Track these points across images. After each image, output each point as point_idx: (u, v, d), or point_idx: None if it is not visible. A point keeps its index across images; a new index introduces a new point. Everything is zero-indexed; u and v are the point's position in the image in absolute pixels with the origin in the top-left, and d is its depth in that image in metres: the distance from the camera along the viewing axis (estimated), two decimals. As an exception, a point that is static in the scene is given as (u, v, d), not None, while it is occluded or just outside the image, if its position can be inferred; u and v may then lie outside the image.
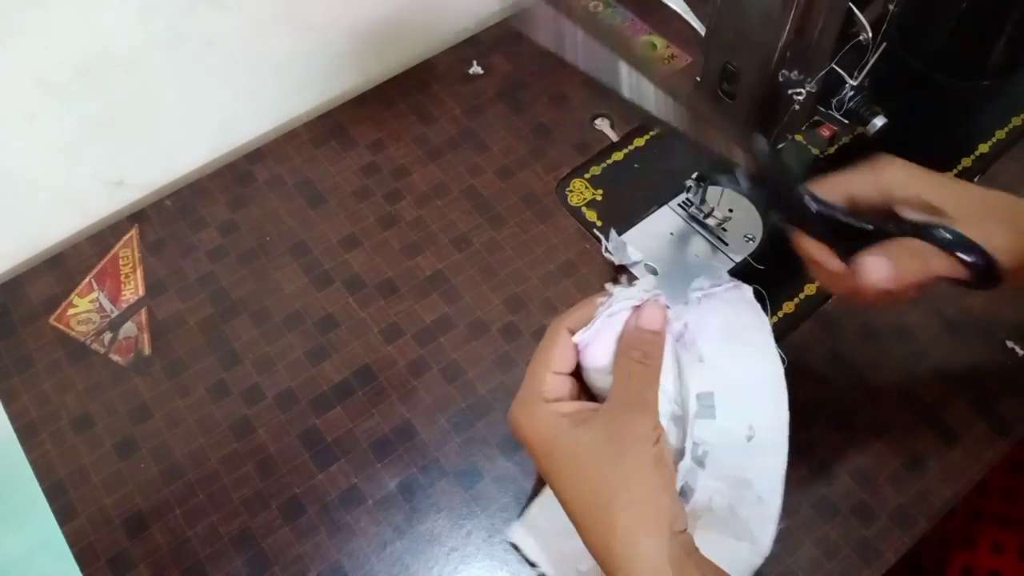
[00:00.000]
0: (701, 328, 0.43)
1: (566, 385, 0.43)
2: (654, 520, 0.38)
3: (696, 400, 0.42)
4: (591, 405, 0.42)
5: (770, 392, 0.44)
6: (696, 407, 0.42)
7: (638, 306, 0.43)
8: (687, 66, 0.73)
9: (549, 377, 0.42)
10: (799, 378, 0.56)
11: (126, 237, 0.65)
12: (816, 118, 0.54)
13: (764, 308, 0.46)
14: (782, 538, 0.50)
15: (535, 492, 0.53)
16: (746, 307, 0.45)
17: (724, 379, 0.43)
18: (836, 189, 0.46)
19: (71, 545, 0.52)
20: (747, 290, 0.46)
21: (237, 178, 0.68)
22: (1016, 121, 0.67)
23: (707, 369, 0.42)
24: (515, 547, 0.50)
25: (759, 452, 0.43)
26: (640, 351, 0.42)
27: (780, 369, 0.44)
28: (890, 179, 0.45)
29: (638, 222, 0.64)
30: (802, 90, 0.47)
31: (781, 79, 0.47)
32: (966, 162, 0.65)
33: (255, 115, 0.71)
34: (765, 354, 0.44)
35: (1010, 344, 0.57)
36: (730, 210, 0.63)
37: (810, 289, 0.59)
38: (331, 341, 0.59)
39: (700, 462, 0.42)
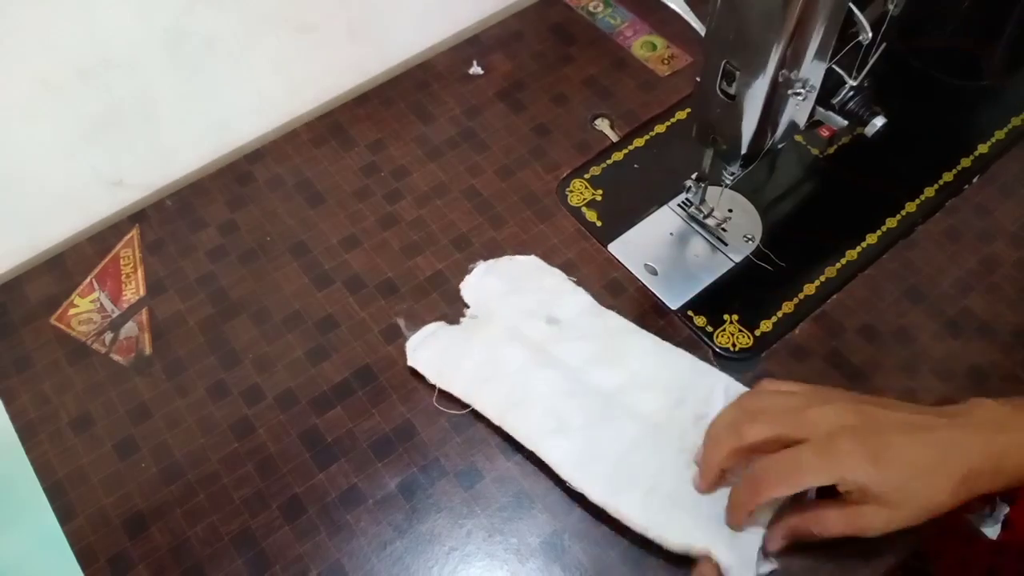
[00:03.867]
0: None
1: None
2: None
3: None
4: None
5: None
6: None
7: None
8: (687, 66, 0.73)
9: None
10: (800, 379, 0.56)
11: (127, 237, 0.65)
12: (816, 118, 0.53)
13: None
14: (782, 538, 0.50)
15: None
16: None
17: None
18: (792, 490, 0.46)
19: (71, 545, 0.52)
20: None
21: (237, 178, 0.68)
22: (1016, 121, 0.67)
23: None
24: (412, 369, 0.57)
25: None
26: None
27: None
28: (840, 470, 0.44)
29: (638, 222, 0.64)
30: (802, 90, 0.47)
31: (781, 79, 0.47)
32: (965, 162, 0.65)
33: (255, 115, 0.71)
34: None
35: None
36: (730, 210, 0.63)
37: (810, 289, 0.60)
38: (331, 341, 0.59)
39: None
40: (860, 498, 0.44)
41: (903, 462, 0.44)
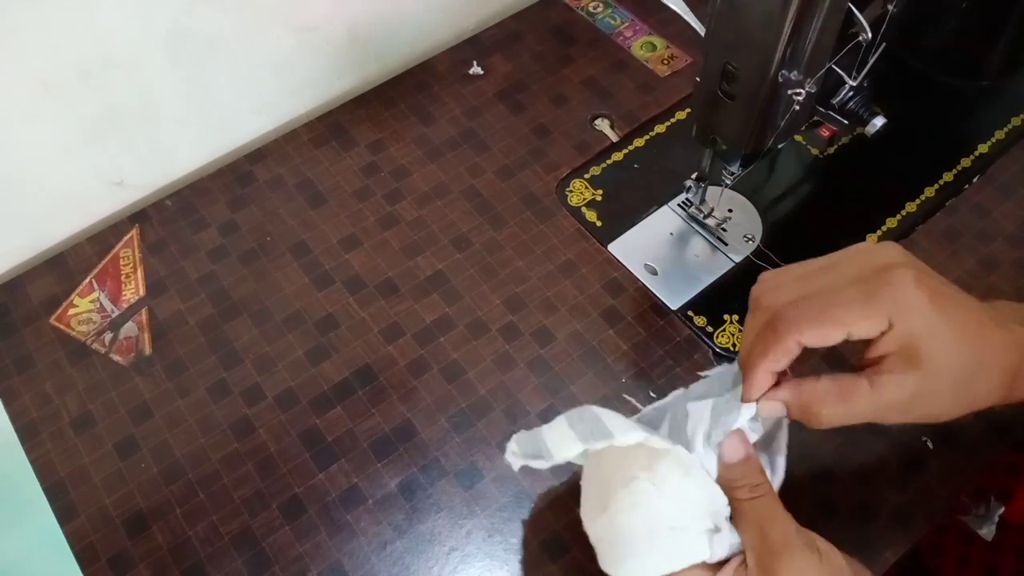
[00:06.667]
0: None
1: None
2: None
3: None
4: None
5: None
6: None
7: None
8: (687, 66, 0.73)
9: None
10: (799, 379, 0.56)
11: (127, 237, 0.65)
12: (816, 118, 0.54)
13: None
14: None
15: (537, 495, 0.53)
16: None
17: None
18: (833, 329, 0.37)
19: (71, 545, 0.52)
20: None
21: (237, 178, 0.68)
22: (1016, 121, 0.67)
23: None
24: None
25: None
26: (745, 485, 0.38)
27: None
28: (893, 306, 0.36)
29: (638, 222, 0.64)
30: (802, 90, 0.47)
31: (781, 79, 0.47)
32: (965, 162, 0.65)
33: (255, 115, 0.71)
34: None
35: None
36: (730, 210, 0.63)
37: (810, 289, 0.59)
38: (331, 341, 0.59)
39: None
40: (895, 363, 0.34)
41: (964, 317, 0.34)
